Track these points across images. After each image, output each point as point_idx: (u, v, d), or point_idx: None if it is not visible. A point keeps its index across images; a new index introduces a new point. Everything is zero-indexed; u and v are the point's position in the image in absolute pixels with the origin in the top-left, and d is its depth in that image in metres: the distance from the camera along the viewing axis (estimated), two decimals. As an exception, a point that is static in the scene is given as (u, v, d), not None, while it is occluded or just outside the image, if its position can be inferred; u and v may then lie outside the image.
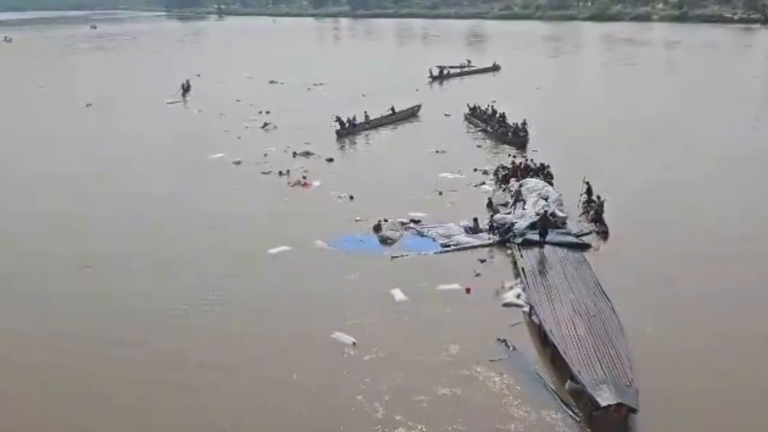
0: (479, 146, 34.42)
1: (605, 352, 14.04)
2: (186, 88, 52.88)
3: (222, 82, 58.61)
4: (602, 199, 22.73)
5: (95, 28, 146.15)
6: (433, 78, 57.06)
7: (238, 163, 31.63)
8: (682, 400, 13.10)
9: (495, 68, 62.48)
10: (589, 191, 23.72)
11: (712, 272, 18.70)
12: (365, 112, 38.33)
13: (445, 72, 58.56)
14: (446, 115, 41.67)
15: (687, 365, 14.33)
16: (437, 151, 32.62)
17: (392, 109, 40.10)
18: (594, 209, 22.60)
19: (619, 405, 12.18)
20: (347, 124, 36.60)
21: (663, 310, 16.65)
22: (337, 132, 36.05)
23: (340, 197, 25.75)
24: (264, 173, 29.78)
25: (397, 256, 20.61)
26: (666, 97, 46.89)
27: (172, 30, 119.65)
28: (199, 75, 60.01)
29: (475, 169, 29.03)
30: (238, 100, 47.46)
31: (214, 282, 18.72)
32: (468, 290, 17.95)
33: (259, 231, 22.88)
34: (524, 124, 34.11)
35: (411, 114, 41.59)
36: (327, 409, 13.19)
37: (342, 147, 35.16)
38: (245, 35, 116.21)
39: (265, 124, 39.55)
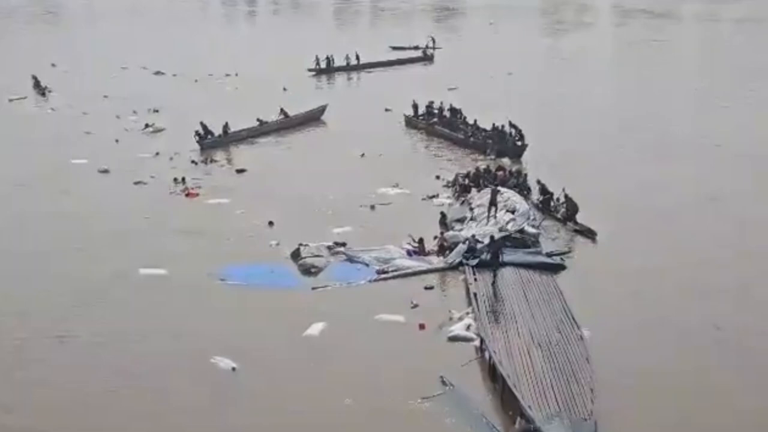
0: (436, 155, 37.27)
1: (564, 384, 16.32)
2: (37, 82, 54.37)
3: (87, 73, 60.27)
4: (565, 191, 26.12)
5: None
6: (318, 71, 59.64)
7: (105, 171, 33.92)
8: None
9: (426, 58, 65.67)
10: (543, 190, 27.40)
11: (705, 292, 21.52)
12: (258, 118, 40.93)
13: (334, 64, 60.68)
14: (387, 109, 44.71)
15: (662, 399, 16.67)
16: (373, 156, 35.57)
17: (283, 111, 42.43)
18: (563, 206, 25.58)
19: (571, 440, 14.42)
20: (213, 132, 38.24)
21: (646, 336, 19.16)
22: (198, 143, 37.55)
23: (254, 223, 27.57)
24: (139, 183, 32.33)
25: (319, 287, 22.71)
26: (696, 92, 51.01)
27: (16, 8, 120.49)
28: (53, 65, 61.62)
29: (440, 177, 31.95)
30: (105, 96, 49.46)
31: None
32: (422, 326, 20.02)
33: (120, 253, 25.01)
34: (513, 125, 36.07)
35: (312, 117, 43.75)
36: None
37: (255, 156, 37.45)
38: (123, 13, 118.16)
39: (147, 126, 41.61)
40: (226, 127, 38.85)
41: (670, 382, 17.32)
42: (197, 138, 37.71)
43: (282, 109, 42.55)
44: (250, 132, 40.27)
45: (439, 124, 40.15)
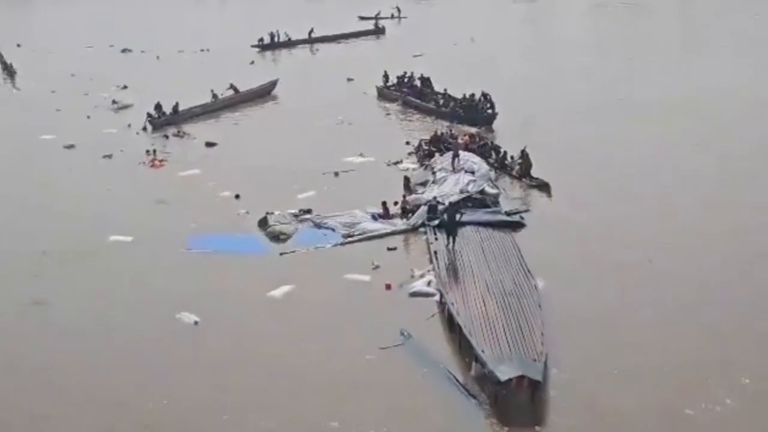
0: (406, 124, 38.11)
1: (516, 329, 17.37)
2: (4, 63, 54.72)
3: (53, 53, 60.55)
4: (524, 149, 27.53)
5: None
6: (263, 47, 60.21)
7: (71, 146, 34.92)
8: (600, 378, 16.55)
9: (378, 30, 66.57)
10: (497, 149, 29.29)
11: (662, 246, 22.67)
12: (212, 90, 41.73)
13: (279, 39, 61.39)
14: (349, 79, 45.36)
15: (608, 341, 17.75)
16: (338, 126, 36.56)
17: (233, 87, 42.91)
18: (517, 163, 27.00)
19: (520, 378, 15.49)
20: (163, 112, 38.82)
21: (595, 284, 20.31)
22: (150, 121, 38.04)
23: (222, 195, 28.32)
24: (108, 156, 33.34)
25: (287, 253, 23.65)
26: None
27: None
28: (19, 45, 61.83)
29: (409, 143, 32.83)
30: (72, 75, 49.94)
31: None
32: (388, 286, 20.89)
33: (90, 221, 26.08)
34: (485, 94, 36.86)
35: (264, 92, 44.32)
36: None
37: (223, 130, 38.21)
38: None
39: (114, 102, 42.25)
40: (176, 106, 39.29)
41: (614, 323, 18.47)
42: (148, 118, 38.25)
43: (232, 85, 42.89)
44: (204, 108, 40.71)
45: (410, 94, 40.84)
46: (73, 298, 20.93)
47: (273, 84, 44.89)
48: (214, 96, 41.45)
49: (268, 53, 59.85)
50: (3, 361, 17.98)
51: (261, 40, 59.98)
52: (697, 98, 38.59)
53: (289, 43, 61.36)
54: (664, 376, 16.50)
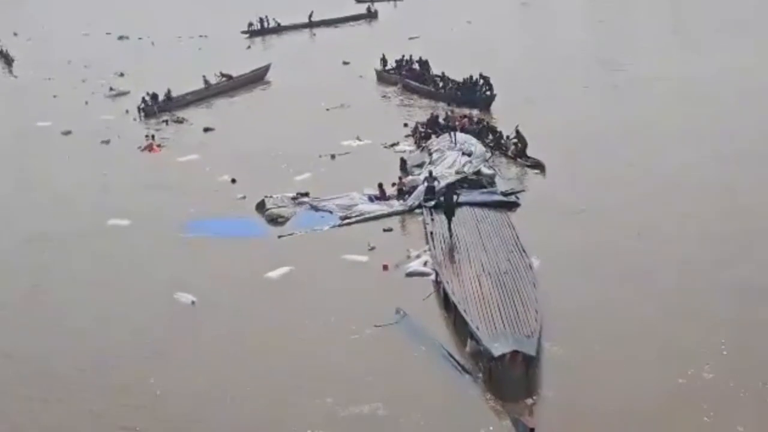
0: (406, 105, 38.22)
1: (510, 307, 17.60)
2: (2, 52, 55.02)
3: (50, 41, 60.73)
4: (517, 128, 27.78)
5: None
6: (253, 32, 59.90)
7: (67, 132, 35.49)
8: (594, 354, 16.81)
9: (371, 15, 66.38)
10: (493, 130, 29.40)
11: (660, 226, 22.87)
12: (204, 76, 41.80)
13: (266, 25, 61.12)
14: (345, 62, 45.44)
15: (602, 318, 18.00)
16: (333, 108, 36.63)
17: (224, 74, 42.90)
18: (513, 144, 27.19)
19: (514, 353, 15.75)
20: (157, 99, 38.97)
21: (589, 263, 20.53)
22: (143, 109, 38.10)
23: (220, 179, 28.60)
24: (106, 142, 33.98)
25: (285, 236, 23.89)
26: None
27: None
28: (15, 34, 61.95)
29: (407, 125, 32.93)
30: (69, 62, 50.15)
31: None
32: (385, 267, 21.12)
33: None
34: (483, 77, 36.83)
35: (257, 77, 44.34)
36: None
37: (220, 115, 38.41)
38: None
39: (111, 89, 42.43)
40: (168, 93, 39.41)
41: (608, 299, 18.71)
42: (142, 105, 38.40)
43: (222, 73, 42.84)
44: (196, 95, 40.80)
45: (409, 77, 40.93)
46: (70, 280, 21.42)
47: (266, 69, 44.83)
48: (206, 83, 41.46)
49: (258, 39, 59.58)
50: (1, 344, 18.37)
51: (251, 25, 59.78)
52: (696, 78, 38.64)
53: (280, 29, 61.05)
54: (658, 351, 16.72)
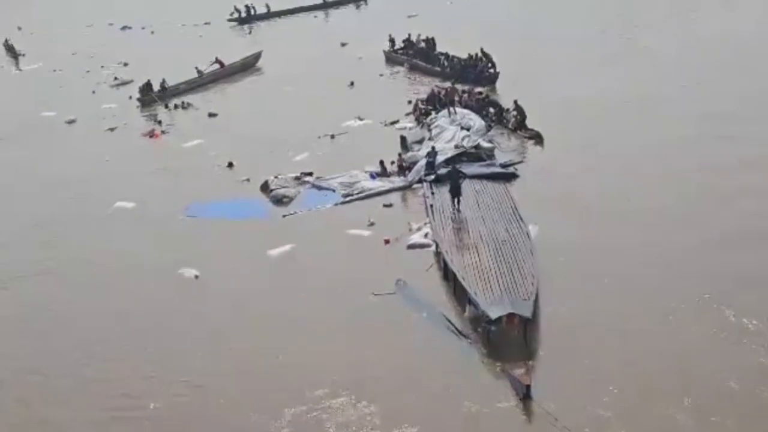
0: (410, 84, 38.54)
1: (507, 273, 18.14)
2: (10, 46, 55.66)
3: (54, 34, 61.21)
4: (517, 101, 28.49)
5: None
6: (240, 20, 59.00)
7: (72, 121, 36.30)
8: (591, 315, 17.35)
9: None
10: (493, 104, 30.04)
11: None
12: (196, 67, 41.95)
13: (255, 12, 59.86)
14: (343, 44, 45.79)
15: (598, 281, 18.49)
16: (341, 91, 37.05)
17: (218, 61, 42.96)
18: (513, 116, 27.83)
19: (511, 315, 16.32)
20: (151, 88, 39.23)
21: (585, 229, 20.98)
22: (140, 99, 38.65)
23: (218, 165, 29.03)
24: (111, 129, 34.89)
25: (289, 215, 24.47)
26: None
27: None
28: (19, 28, 62.53)
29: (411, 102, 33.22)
30: (74, 54, 50.82)
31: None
32: (387, 241, 21.67)
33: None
34: (486, 54, 36.71)
35: (249, 65, 44.23)
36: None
37: (227, 102, 38.92)
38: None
39: (115, 78, 43.12)
40: (163, 83, 39.75)
41: (603, 263, 19.24)
42: (139, 95, 38.96)
43: (217, 59, 42.99)
44: (189, 84, 41.09)
45: (416, 57, 41.10)
46: (75, 260, 22.37)
47: (257, 56, 44.91)
48: (199, 72, 41.76)
49: (247, 26, 59.19)
50: (6, 313, 19.53)
51: (238, 12, 59.16)
52: (699, 47, 38.81)
53: (269, 15, 60.14)
54: (651, 311, 17.25)
